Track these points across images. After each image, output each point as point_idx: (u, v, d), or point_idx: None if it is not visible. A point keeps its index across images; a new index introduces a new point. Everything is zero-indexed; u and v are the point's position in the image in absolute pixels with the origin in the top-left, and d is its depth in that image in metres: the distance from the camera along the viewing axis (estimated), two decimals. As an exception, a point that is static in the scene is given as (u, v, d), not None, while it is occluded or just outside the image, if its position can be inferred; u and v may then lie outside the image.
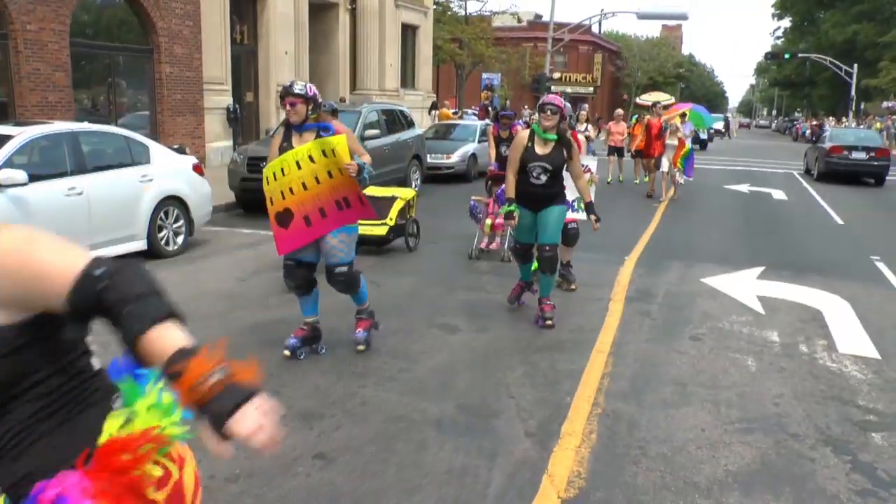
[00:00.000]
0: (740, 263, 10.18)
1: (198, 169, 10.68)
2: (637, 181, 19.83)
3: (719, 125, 51.31)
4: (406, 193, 10.52)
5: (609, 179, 19.38)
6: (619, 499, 3.95)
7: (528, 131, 6.82)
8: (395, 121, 16.32)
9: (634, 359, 6.22)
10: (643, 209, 15.23)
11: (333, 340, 6.35)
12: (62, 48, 15.02)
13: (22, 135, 8.56)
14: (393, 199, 10.23)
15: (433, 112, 31.57)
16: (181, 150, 10.94)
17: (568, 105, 7.46)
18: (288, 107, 5.59)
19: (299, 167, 5.59)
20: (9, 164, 8.21)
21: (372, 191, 10.20)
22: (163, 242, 9.96)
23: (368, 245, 9.83)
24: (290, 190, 5.63)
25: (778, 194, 19.19)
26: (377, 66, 27.99)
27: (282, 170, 5.64)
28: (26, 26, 14.41)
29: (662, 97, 23.39)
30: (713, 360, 6.26)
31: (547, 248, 6.79)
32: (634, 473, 4.24)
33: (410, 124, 17.10)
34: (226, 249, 10.41)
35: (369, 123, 15.08)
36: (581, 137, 8.23)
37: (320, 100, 5.84)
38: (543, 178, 6.73)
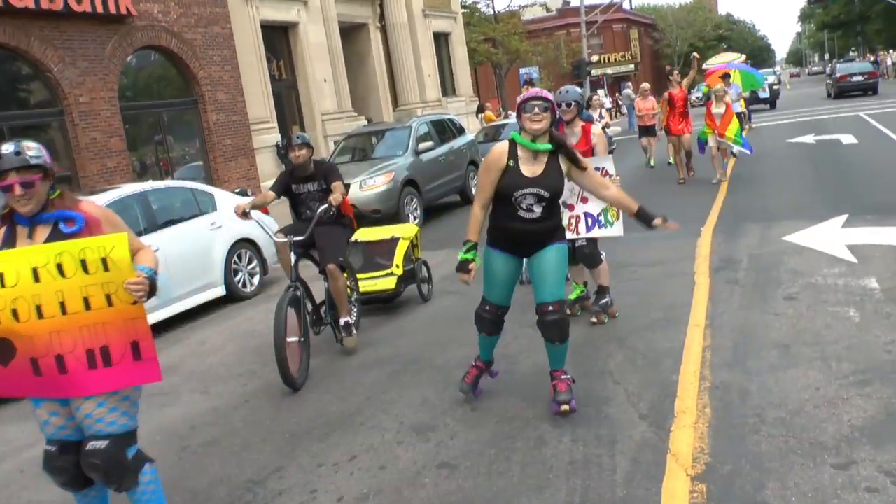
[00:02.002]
0: (821, 215, 10.00)
1: (263, 209, 10.94)
2: (671, 161, 17.56)
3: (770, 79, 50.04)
4: (408, 231, 8.74)
5: (651, 162, 18.00)
6: (748, 469, 3.95)
7: (505, 144, 4.80)
8: (445, 130, 16.47)
9: (731, 328, 6.19)
10: (703, 181, 15.03)
11: (434, 352, 6.46)
12: (114, 114, 15.61)
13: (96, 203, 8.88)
14: (394, 240, 8.49)
15: (480, 115, 31.68)
16: (243, 193, 11.26)
17: (576, 90, 6.66)
18: (17, 191, 3.37)
19: (37, 278, 3.36)
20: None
21: (366, 234, 8.71)
22: (240, 285, 10.25)
23: (376, 304, 8.39)
24: (14, 312, 3.38)
25: (847, 139, 18.76)
26: (415, 78, 28.25)
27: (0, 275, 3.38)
28: (79, 98, 15.01)
29: (730, 56, 21.72)
30: (813, 318, 6.19)
31: (550, 307, 4.77)
32: (757, 442, 4.23)
33: (461, 131, 17.23)
34: (302, 283, 10.64)
35: (421, 136, 15.23)
36: (597, 131, 6.80)
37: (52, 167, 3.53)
38: (538, 209, 4.73)
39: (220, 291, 9.96)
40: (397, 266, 8.26)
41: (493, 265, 4.93)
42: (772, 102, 35.29)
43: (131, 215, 9.21)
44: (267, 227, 7.39)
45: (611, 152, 14.30)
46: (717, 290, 7.31)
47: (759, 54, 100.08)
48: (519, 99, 4.75)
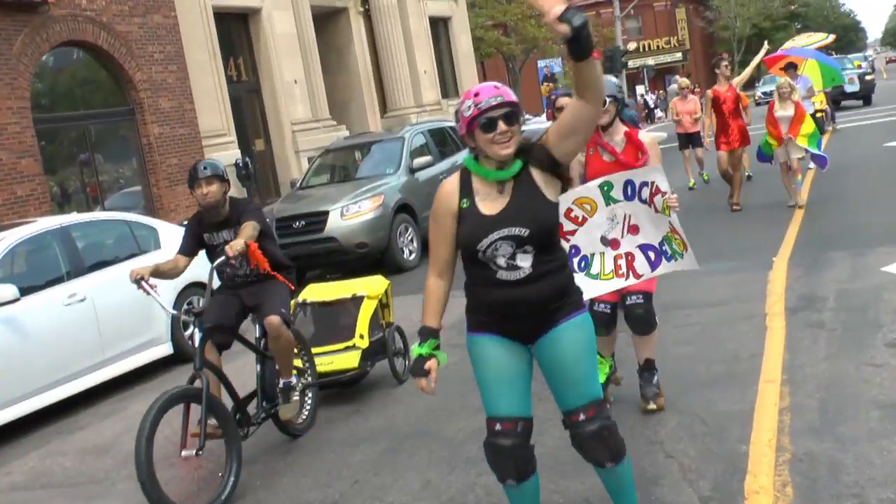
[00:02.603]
0: (927, 239, 10.04)
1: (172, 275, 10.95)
2: (691, 184, 17.65)
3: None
4: (375, 287, 7.94)
5: (691, 183, 17.50)
6: (842, 563, 3.92)
7: (454, 179, 4.01)
8: (446, 141, 16.59)
9: (817, 384, 6.17)
10: (773, 202, 14.99)
11: (438, 422, 6.45)
12: (25, 129, 15.58)
13: (1, 242, 8.90)
14: (357, 300, 7.76)
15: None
16: (194, 225, 11.28)
17: (611, 81, 6.10)
18: None
19: None
20: (-9, 279, 8.56)
21: (317, 292, 8.15)
22: (191, 341, 10.21)
23: (335, 388, 7.77)
24: None
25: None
26: (408, 76, 28.46)
27: None
28: (-25, 109, 15.03)
29: (815, 38, 21.04)
30: (922, 369, 6.19)
31: (583, 415, 4.01)
32: (854, 529, 4.21)
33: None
34: (269, 337, 10.64)
35: (416, 150, 15.35)
36: (648, 138, 6.20)
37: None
38: (524, 261, 3.86)
39: (165, 350, 9.96)
40: (361, 336, 7.50)
41: (486, 358, 4.03)
42: (865, 97, 34.62)
43: (49, 256, 9.26)
44: (166, 305, 6.71)
45: None
46: (795, 337, 7.29)
47: (844, 35, 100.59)
48: (465, 110, 3.80)
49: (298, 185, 16.12)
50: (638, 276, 5.87)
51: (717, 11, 71.19)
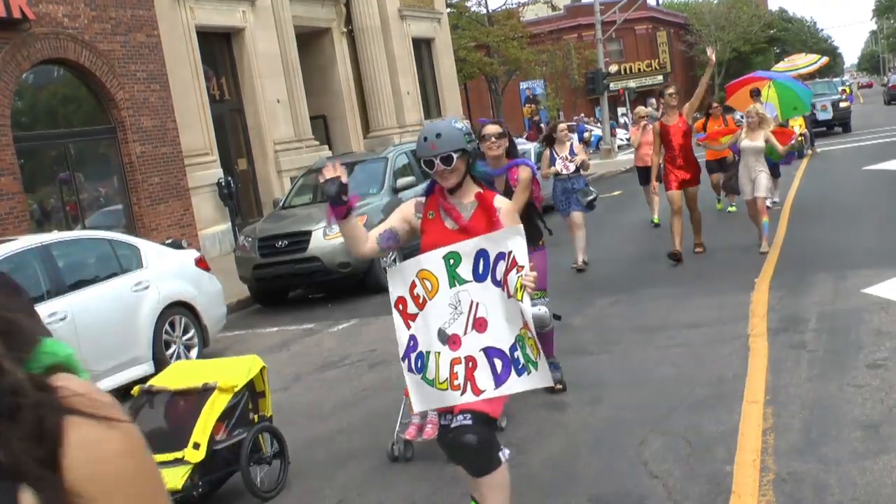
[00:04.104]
0: (908, 261, 10.10)
1: (202, 264, 10.98)
2: (655, 220, 16.16)
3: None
4: (233, 375, 6.04)
5: (655, 219, 16.13)
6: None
7: None
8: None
9: (800, 405, 6.21)
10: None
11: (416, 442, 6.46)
12: (5, 147, 15.52)
13: (-19, 261, 8.85)
14: (206, 392, 5.90)
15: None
16: (177, 245, 11.30)
17: (458, 128, 4.59)
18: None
19: None
20: (-27, 299, 8.51)
21: (172, 374, 6.40)
22: (173, 360, 10.20)
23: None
24: None
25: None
26: (391, 97, 28.54)
27: None
28: (-45, 126, 14.99)
29: (809, 60, 20.20)
30: (904, 389, 6.23)
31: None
32: (838, 549, 4.23)
33: (449, 162, 17.36)
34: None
35: (399, 170, 15.37)
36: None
37: None
38: None
39: (147, 369, 9.89)
40: (196, 446, 5.63)
41: None
42: (843, 124, 32.89)
43: (29, 275, 9.18)
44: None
45: (590, 206, 12.69)
46: (778, 358, 7.33)
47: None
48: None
49: (281, 204, 16.10)
50: (478, 393, 4.23)
51: (697, 35, 71.81)
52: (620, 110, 56.42)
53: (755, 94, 15.38)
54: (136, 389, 6.20)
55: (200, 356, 10.51)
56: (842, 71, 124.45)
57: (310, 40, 25.94)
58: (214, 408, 5.78)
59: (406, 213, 4.79)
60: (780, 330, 8.15)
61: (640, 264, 12.77)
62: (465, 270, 4.31)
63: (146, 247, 10.63)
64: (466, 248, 4.33)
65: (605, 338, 8.87)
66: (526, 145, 23.14)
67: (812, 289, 9.56)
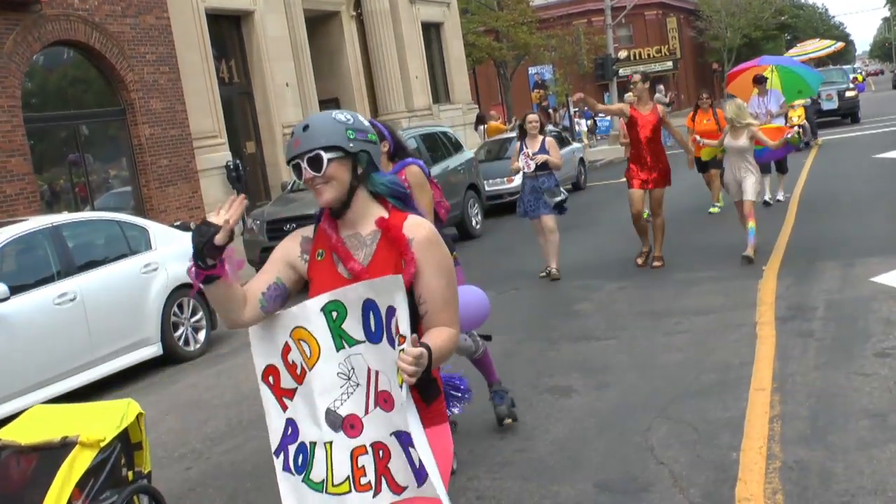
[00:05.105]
0: (919, 250, 10.08)
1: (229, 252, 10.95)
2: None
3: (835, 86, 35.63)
4: (100, 427, 4.74)
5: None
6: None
7: None
8: (437, 146, 16.59)
9: (807, 393, 6.21)
10: (766, 208, 15.11)
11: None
12: (16, 128, 15.56)
13: (-8, 240, 8.88)
14: (65, 449, 4.58)
15: (480, 127, 31.85)
16: (186, 227, 11.30)
17: (324, 120, 3.10)
18: None
19: None
20: (-19, 278, 8.54)
21: (25, 426, 4.90)
22: (181, 342, 10.24)
23: None
24: None
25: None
26: (399, 81, 28.46)
27: None
28: (-34, 107, 15.01)
29: (822, 45, 19.59)
30: (912, 378, 6.23)
31: None
32: (844, 537, 4.23)
33: (457, 147, 17.35)
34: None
35: (407, 154, 15.33)
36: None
37: None
38: None
39: (155, 351, 9.94)
40: None
41: None
42: (851, 114, 31.55)
43: (40, 256, 9.24)
44: None
45: (559, 208, 11.41)
46: (786, 346, 7.34)
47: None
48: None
49: (289, 188, 16.08)
50: (398, 490, 2.95)
51: (707, 21, 71.44)
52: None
53: (760, 80, 15.04)
54: None
55: (208, 340, 10.55)
56: (853, 58, 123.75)
57: (319, 24, 25.88)
58: (74, 469, 4.48)
59: (289, 253, 3.25)
60: (788, 318, 8.14)
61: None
62: (352, 327, 2.98)
63: (155, 229, 10.65)
64: (350, 296, 2.98)
65: (612, 323, 8.88)
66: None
67: (820, 277, 9.54)
